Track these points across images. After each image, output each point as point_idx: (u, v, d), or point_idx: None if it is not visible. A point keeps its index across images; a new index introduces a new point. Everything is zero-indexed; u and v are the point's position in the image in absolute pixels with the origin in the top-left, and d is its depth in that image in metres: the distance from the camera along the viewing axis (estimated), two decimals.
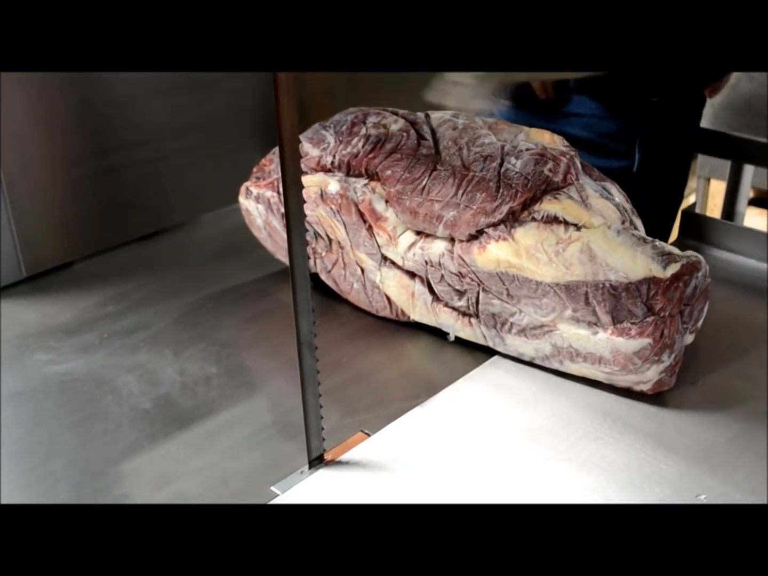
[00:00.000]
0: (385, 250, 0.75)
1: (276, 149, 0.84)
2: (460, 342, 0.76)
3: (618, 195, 0.69)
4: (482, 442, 0.64)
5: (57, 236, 0.93)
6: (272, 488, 0.61)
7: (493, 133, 0.73)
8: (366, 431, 0.67)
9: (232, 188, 0.90)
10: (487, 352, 0.75)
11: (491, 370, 0.73)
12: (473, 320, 0.73)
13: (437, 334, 0.78)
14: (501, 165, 0.69)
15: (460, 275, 0.70)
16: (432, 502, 0.59)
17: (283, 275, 0.88)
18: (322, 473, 0.62)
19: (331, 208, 0.76)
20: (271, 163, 0.83)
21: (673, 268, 0.63)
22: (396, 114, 0.77)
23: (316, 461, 0.63)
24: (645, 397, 0.68)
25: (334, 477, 0.62)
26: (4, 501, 0.62)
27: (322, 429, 0.62)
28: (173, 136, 1.00)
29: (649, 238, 0.66)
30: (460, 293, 0.72)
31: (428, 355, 0.78)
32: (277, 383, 0.75)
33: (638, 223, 0.69)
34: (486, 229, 0.67)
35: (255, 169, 0.85)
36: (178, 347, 0.79)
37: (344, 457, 0.64)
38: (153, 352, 0.78)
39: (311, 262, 0.83)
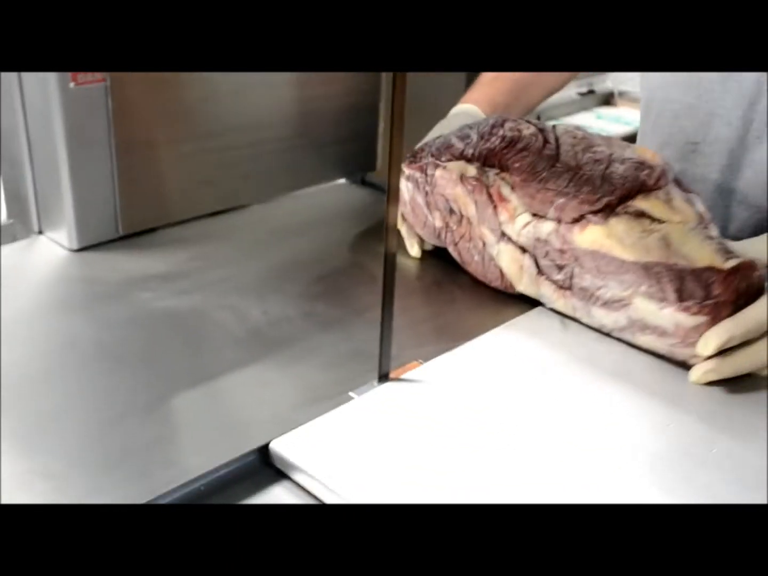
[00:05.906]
0: (505, 227, 0.93)
1: (427, 140, 1.03)
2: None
3: (699, 205, 0.85)
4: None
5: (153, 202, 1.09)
6: (350, 393, 0.77)
7: (605, 146, 0.90)
8: (419, 360, 0.83)
9: None
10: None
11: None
12: (567, 293, 0.90)
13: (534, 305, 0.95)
14: (607, 168, 0.86)
15: (562, 251, 0.87)
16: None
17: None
18: (389, 386, 0.79)
19: (467, 189, 0.94)
20: (422, 151, 1.02)
21: (732, 263, 0.79)
22: (530, 122, 0.95)
23: (383, 378, 0.79)
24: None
25: (399, 390, 0.78)
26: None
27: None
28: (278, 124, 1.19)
29: (719, 238, 0.81)
30: (560, 267, 0.89)
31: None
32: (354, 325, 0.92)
33: (713, 229, 0.85)
34: (587, 215, 0.85)
35: (409, 154, 1.04)
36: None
37: (404, 376, 0.80)
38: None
39: (443, 235, 1.02)
